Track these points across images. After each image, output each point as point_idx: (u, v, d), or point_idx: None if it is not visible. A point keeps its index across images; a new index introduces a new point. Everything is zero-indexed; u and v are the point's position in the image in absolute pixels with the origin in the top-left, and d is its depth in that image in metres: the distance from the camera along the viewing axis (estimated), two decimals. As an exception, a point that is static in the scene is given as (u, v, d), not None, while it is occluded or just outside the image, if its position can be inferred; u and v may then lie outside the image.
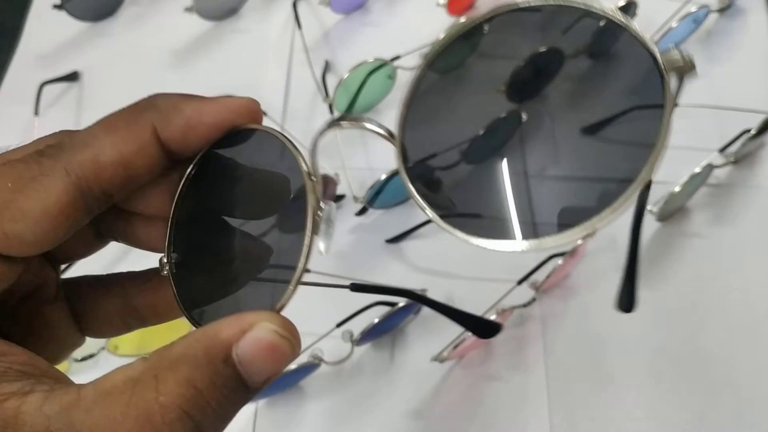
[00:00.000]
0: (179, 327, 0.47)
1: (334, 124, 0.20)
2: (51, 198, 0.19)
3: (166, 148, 0.20)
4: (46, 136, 0.21)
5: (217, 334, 0.19)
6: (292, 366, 0.42)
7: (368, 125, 0.20)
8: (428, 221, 0.48)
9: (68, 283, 0.24)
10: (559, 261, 0.45)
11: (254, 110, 0.22)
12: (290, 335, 0.19)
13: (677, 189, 0.47)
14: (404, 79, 0.54)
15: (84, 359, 0.44)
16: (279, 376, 0.20)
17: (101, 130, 0.20)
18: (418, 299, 0.25)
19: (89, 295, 0.24)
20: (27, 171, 0.19)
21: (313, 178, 0.20)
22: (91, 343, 0.44)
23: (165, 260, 0.22)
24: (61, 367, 0.45)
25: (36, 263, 0.22)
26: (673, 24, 0.54)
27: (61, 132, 0.21)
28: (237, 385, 0.18)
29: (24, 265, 0.21)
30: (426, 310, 0.47)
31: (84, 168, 0.19)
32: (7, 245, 0.19)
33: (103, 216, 0.22)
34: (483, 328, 0.27)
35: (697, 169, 0.47)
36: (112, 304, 0.24)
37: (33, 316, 0.23)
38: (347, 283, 0.25)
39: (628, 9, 0.55)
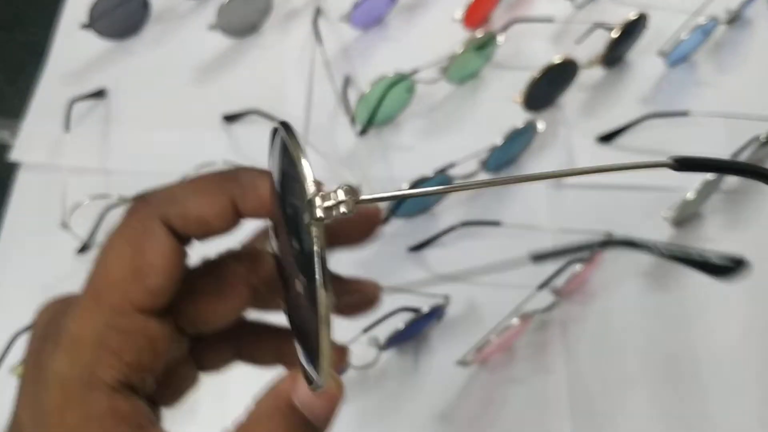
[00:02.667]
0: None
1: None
2: (164, 248, 0.22)
3: (240, 215, 0.23)
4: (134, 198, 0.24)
5: (277, 386, 0.22)
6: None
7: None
8: (450, 229, 0.50)
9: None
10: (578, 267, 0.47)
11: None
12: (332, 376, 0.21)
13: (691, 195, 0.48)
14: (422, 92, 0.56)
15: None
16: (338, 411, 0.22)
17: (191, 190, 0.23)
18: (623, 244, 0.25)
19: (209, 343, 0.27)
20: (134, 230, 0.22)
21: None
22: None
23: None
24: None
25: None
26: (683, 36, 0.56)
27: (148, 191, 0.24)
28: (306, 428, 0.22)
29: (187, 339, 0.24)
30: (449, 315, 0.48)
31: (174, 220, 0.22)
32: (154, 301, 0.22)
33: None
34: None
35: (710, 176, 0.49)
36: (228, 351, 0.28)
37: (168, 374, 0.25)
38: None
39: (639, 22, 0.56)
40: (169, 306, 0.23)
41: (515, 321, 0.45)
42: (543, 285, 0.47)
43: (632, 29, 0.57)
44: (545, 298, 0.47)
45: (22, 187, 0.54)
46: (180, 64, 0.59)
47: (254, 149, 0.55)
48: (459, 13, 0.57)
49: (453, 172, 0.51)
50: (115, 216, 0.50)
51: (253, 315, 0.27)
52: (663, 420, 0.46)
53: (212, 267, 0.25)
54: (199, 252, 0.25)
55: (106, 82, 0.58)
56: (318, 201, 0.18)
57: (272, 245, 0.25)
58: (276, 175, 0.22)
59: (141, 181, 0.50)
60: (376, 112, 0.54)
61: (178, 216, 0.22)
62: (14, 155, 0.55)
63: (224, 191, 0.23)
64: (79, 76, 0.58)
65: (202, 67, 0.59)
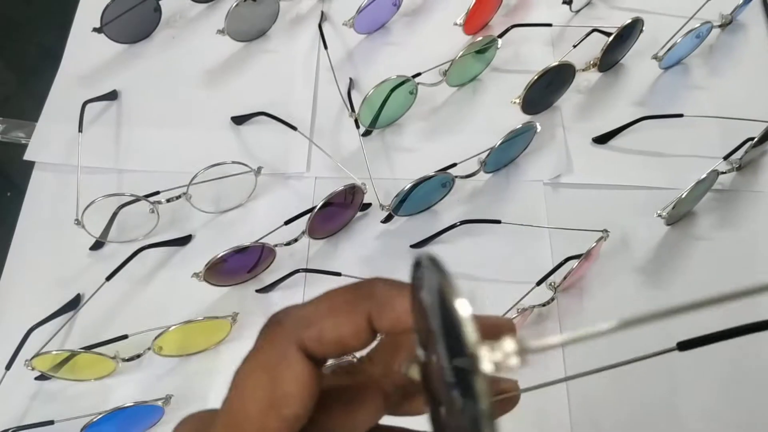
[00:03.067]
0: (219, 327, 0.50)
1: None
2: (301, 375, 0.22)
3: (377, 332, 0.23)
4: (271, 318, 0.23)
5: None
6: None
7: None
8: (451, 227, 0.52)
9: None
10: (575, 263, 0.48)
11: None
12: None
13: (684, 194, 0.50)
14: (424, 94, 0.57)
15: (131, 359, 0.47)
16: None
17: (326, 311, 0.22)
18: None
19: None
20: (270, 357, 0.22)
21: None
22: (136, 344, 0.47)
23: None
24: (109, 366, 0.48)
25: None
26: (678, 40, 0.57)
27: (282, 311, 0.23)
28: None
29: None
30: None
31: (310, 344, 0.22)
32: (291, 430, 0.22)
33: None
34: None
35: (703, 176, 0.50)
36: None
37: None
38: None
39: (635, 26, 0.58)
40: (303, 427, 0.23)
41: (514, 314, 0.46)
42: (541, 280, 0.49)
43: (628, 33, 0.58)
44: (544, 293, 0.49)
45: (36, 185, 0.55)
46: (189, 67, 0.61)
47: (261, 150, 0.57)
48: (460, 18, 0.59)
49: (454, 171, 0.52)
50: (128, 213, 0.52)
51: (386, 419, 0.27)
52: (659, 409, 0.47)
53: (345, 374, 0.25)
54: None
55: (118, 85, 0.60)
56: (483, 352, 0.16)
57: (412, 374, 0.23)
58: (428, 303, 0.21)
59: (152, 180, 0.52)
60: (379, 114, 0.56)
61: (314, 339, 0.22)
62: (29, 155, 0.56)
63: (361, 310, 0.22)
64: (92, 78, 0.60)
65: (211, 70, 0.61)
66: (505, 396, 0.26)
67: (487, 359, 0.16)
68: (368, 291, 0.22)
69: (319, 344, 0.22)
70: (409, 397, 0.25)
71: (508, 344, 0.16)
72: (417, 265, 0.20)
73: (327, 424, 0.23)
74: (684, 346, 0.24)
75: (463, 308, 0.17)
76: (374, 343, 0.24)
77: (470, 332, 0.16)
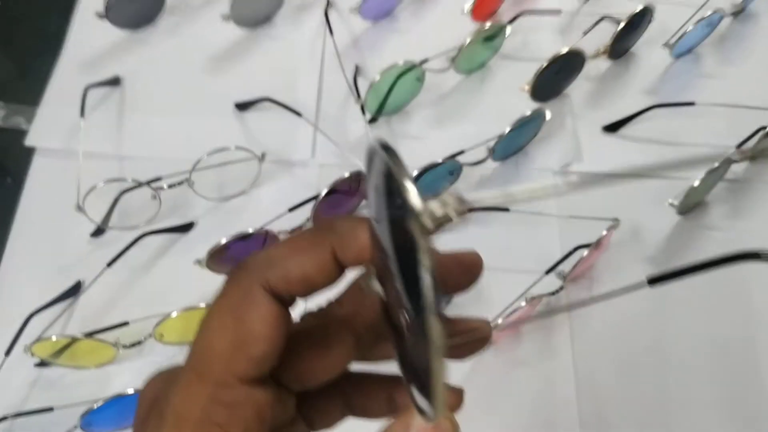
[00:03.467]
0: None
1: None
2: (267, 315, 0.21)
3: (342, 265, 0.23)
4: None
5: (390, 427, 0.21)
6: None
7: None
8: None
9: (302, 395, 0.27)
10: (585, 252, 0.48)
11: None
12: (450, 421, 0.21)
13: (696, 184, 0.49)
14: (431, 82, 0.57)
15: (132, 346, 0.46)
16: None
17: (289, 250, 0.22)
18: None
19: (317, 400, 0.26)
20: (234, 300, 0.22)
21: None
22: (137, 331, 0.46)
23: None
24: (110, 353, 0.47)
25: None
26: (689, 28, 0.56)
27: (247, 257, 0.23)
28: None
29: (293, 397, 0.24)
30: (458, 298, 0.48)
31: (276, 283, 0.22)
32: (258, 370, 0.21)
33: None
34: None
35: (716, 164, 0.49)
36: (337, 406, 0.26)
37: None
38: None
39: (645, 14, 0.57)
40: (273, 369, 0.22)
41: (522, 304, 0.46)
42: (550, 269, 0.48)
43: (638, 21, 0.57)
44: (553, 282, 0.48)
45: (37, 171, 0.55)
46: (193, 54, 0.60)
47: (266, 136, 0.56)
48: (468, 5, 0.58)
49: (461, 159, 0.51)
50: (129, 200, 0.52)
51: (359, 367, 0.27)
52: (667, 402, 0.46)
53: (314, 318, 0.25)
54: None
55: (121, 71, 0.59)
56: (424, 210, 0.16)
57: (376, 289, 0.24)
58: (376, 205, 0.21)
59: (154, 167, 0.51)
60: (386, 101, 0.55)
61: (279, 279, 0.22)
62: (29, 140, 0.55)
63: (323, 245, 0.22)
64: (94, 64, 0.60)
65: (215, 56, 0.60)
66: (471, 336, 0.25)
67: (428, 216, 0.16)
68: (329, 226, 0.23)
69: (286, 283, 0.22)
70: (380, 341, 0.25)
71: (448, 199, 0.16)
72: (369, 160, 0.20)
73: (298, 366, 0.23)
74: (653, 281, 0.24)
75: (401, 171, 0.17)
76: (343, 286, 0.24)
77: (410, 189, 0.16)
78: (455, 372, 0.28)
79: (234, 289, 0.22)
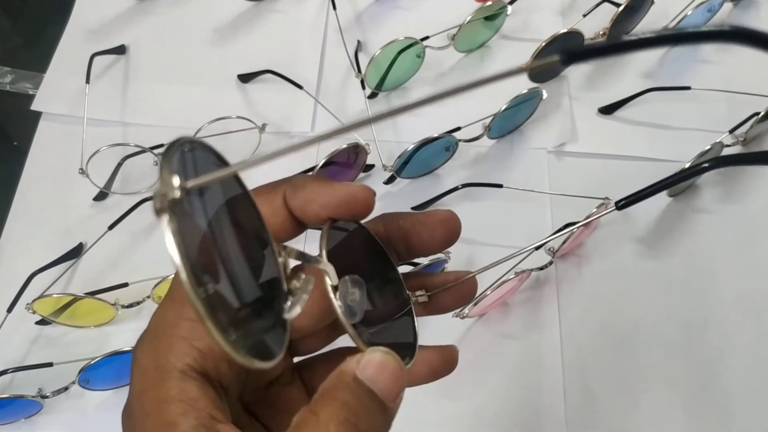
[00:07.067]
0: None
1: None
2: None
3: (293, 215, 0.25)
4: None
5: (341, 367, 0.23)
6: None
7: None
8: (452, 190, 0.52)
9: (302, 364, 0.29)
10: (575, 229, 0.48)
11: (365, 199, 0.25)
12: (391, 354, 0.23)
13: (687, 166, 0.50)
14: (432, 59, 0.57)
15: (130, 306, 0.48)
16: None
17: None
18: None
19: (320, 369, 0.28)
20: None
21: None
22: (136, 292, 0.48)
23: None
24: (109, 313, 0.48)
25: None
26: (689, 12, 0.57)
27: None
28: (372, 398, 0.22)
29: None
30: (449, 270, 0.50)
31: None
32: None
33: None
34: None
35: (707, 147, 0.50)
36: None
37: (277, 398, 0.27)
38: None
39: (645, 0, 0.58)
40: None
41: (511, 276, 0.47)
42: (540, 245, 0.48)
43: (639, 5, 0.58)
44: (542, 258, 0.49)
45: (42, 135, 0.56)
46: (198, 25, 0.61)
47: (267, 108, 0.57)
48: (470, -16, 0.59)
49: (458, 135, 0.52)
50: (132, 165, 0.53)
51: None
52: (652, 376, 0.47)
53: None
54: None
55: (127, 40, 0.60)
56: (157, 193, 0.17)
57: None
58: None
59: (157, 134, 0.52)
60: (386, 76, 0.56)
61: None
62: (36, 105, 0.57)
63: (277, 190, 0.24)
64: (101, 33, 0.60)
65: (219, 28, 0.61)
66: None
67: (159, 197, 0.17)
68: (286, 178, 0.25)
69: None
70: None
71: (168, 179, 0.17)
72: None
73: None
74: (621, 206, 0.28)
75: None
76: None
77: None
78: (446, 340, 0.30)
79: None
